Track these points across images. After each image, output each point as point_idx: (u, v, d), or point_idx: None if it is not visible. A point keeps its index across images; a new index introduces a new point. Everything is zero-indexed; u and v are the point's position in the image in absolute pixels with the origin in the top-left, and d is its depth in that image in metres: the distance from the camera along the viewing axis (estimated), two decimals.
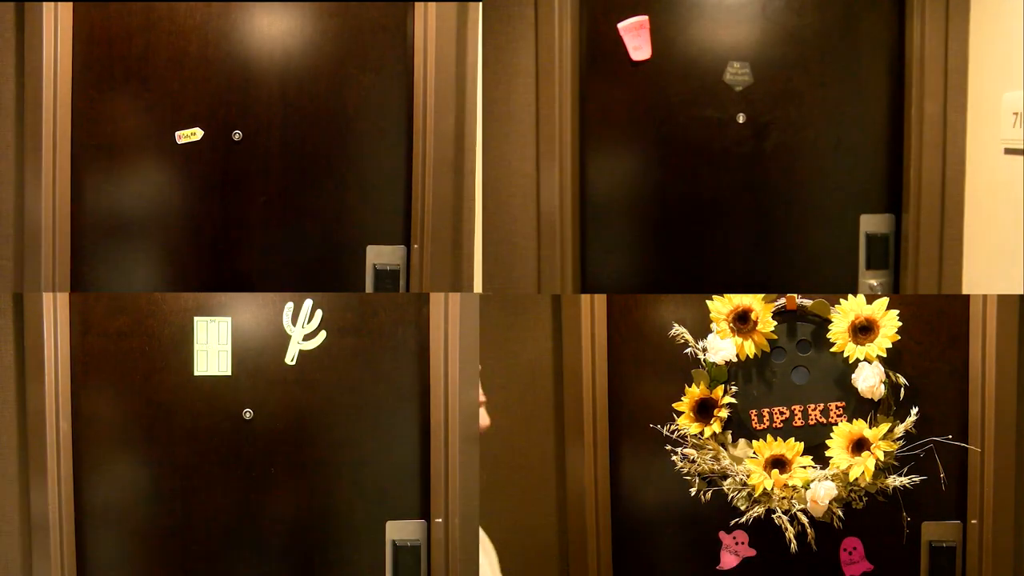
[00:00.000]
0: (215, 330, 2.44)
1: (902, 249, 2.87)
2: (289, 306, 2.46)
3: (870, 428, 2.38)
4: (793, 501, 2.37)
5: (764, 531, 2.43)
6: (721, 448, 2.43)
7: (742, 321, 2.40)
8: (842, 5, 2.77)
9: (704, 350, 2.44)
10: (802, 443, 2.41)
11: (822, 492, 2.33)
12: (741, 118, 2.77)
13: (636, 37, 2.76)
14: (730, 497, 2.40)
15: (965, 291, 2.79)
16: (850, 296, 2.39)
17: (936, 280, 2.83)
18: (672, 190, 2.79)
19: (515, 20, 2.64)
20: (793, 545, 2.35)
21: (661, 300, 2.56)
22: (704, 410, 2.43)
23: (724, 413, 2.41)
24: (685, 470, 2.45)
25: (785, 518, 2.36)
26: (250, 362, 2.45)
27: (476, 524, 2.52)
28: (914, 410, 2.40)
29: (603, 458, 2.56)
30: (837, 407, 2.42)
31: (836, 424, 2.39)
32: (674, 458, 2.45)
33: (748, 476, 2.39)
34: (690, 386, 2.44)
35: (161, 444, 2.48)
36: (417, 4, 2.66)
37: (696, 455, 2.43)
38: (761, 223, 2.81)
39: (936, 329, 2.47)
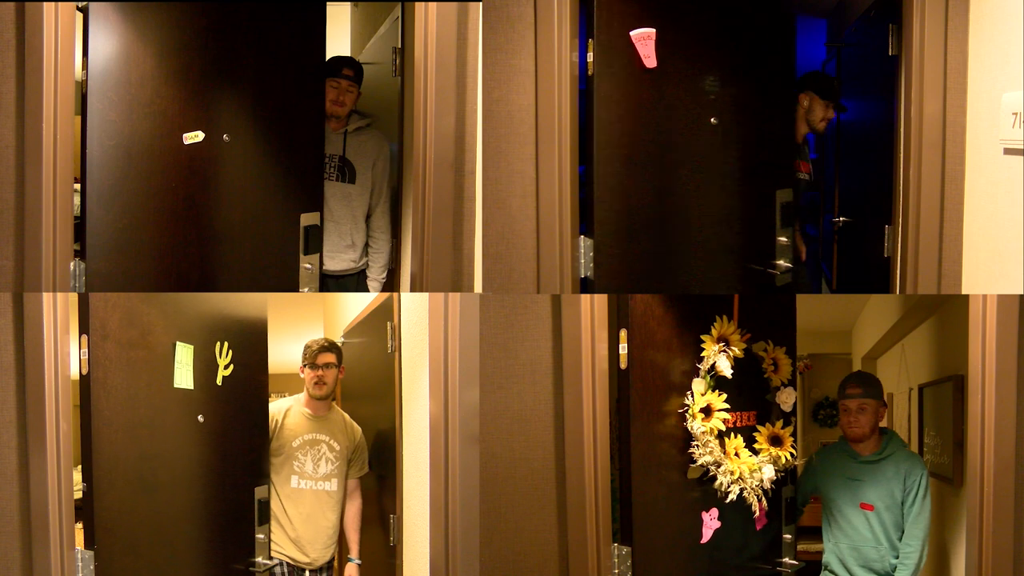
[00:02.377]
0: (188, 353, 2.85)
1: (900, 250, 2.91)
2: (217, 344, 2.97)
3: (782, 428, 3.08)
4: (754, 481, 2.96)
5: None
6: (715, 441, 2.86)
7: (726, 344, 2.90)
8: None
9: (712, 363, 2.84)
10: (741, 437, 2.97)
11: (769, 472, 2.97)
12: None
13: (645, 47, 2.81)
14: (721, 480, 2.84)
15: (965, 291, 2.79)
16: (771, 344, 3.11)
17: (936, 280, 2.84)
18: None
19: (515, 20, 2.64)
20: (759, 513, 2.98)
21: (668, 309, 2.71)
22: (707, 412, 2.84)
23: (724, 415, 2.85)
24: (699, 460, 2.80)
25: (753, 495, 2.94)
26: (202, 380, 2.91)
27: (476, 524, 2.52)
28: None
29: (603, 458, 2.56)
30: (757, 415, 3.07)
31: (758, 426, 3.05)
32: (692, 451, 2.80)
33: (730, 463, 2.89)
34: (693, 391, 2.82)
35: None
36: (417, 4, 2.66)
37: (704, 448, 2.82)
38: None
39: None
